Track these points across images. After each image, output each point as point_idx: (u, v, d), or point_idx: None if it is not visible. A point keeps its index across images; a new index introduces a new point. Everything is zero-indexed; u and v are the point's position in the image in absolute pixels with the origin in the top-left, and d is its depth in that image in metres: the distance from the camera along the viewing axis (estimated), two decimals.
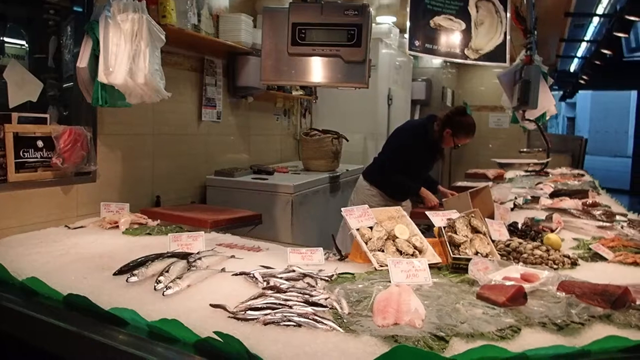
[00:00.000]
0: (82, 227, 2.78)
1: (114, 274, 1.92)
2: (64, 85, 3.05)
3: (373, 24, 2.49)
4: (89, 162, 2.97)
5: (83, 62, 2.75)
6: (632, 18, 4.74)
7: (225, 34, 4.21)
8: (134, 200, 3.20)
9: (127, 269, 1.91)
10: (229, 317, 1.55)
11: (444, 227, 2.28)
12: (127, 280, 1.83)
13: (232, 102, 4.69)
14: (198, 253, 2.12)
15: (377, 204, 4.01)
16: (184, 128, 4.10)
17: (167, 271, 1.85)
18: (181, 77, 4.00)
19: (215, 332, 1.40)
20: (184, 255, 2.06)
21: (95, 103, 2.76)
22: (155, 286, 1.76)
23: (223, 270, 1.99)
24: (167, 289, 1.73)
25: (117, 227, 2.72)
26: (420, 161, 4.13)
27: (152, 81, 2.69)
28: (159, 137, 3.79)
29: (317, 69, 2.36)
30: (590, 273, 2.08)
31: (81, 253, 2.25)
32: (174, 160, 3.97)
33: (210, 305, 1.62)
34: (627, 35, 5.73)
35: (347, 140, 5.28)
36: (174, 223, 2.95)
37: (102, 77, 2.66)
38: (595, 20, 7.73)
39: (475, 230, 2.31)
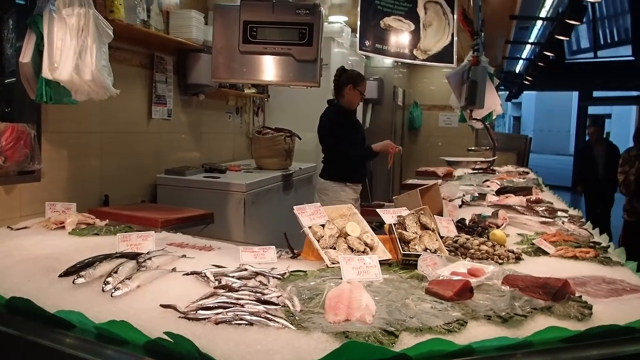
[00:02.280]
0: (25, 227, 2.68)
1: (60, 276, 1.86)
2: (6, 81, 2.95)
3: (325, 23, 2.51)
4: (32, 161, 2.88)
5: (26, 57, 2.65)
6: (572, 22, 4.93)
7: (175, 31, 4.15)
8: (81, 200, 3.11)
9: (74, 271, 1.86)
10: (179, 317, 1.53)
11: (394, 224, 2.32)
12: (73, 282, 1.78)
13: (183, 99, 4.62)
14: (148, 253, 2.08)
15: (347, 198, 4.37)
16: (134, 126, 4.02)
17: (115, 272, 1.81)
18: (130, 73, 3.92)
19: (165, 333, 1.38)
20: (134, 256, 2.03)
21: (39, 100, 2.67)
22: (103, 287, 1.73)
23: (174, 270, 1.97)
24: (115, 290, 1.70)
25: (63, 227, 2.65)
26: (352, 135, 4.41)
27: (99, 77, 2.62)
28: (108, 135, 3.71)
29: (268, 67, 2.36)
30: (533, 267, 2.15)
31: (25, 255, 2.17)
32: (123, 158, 3.89)
33: (161, 305, 1.60)
34: (568, 39, 5.95)
35: (300, 139, 5.29)
36: (123, 223, 2.89)
37: (46, 73, 2.57)
38: (539, 23, 8.01)
39: (424, 227, 2.36)
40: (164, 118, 4.32)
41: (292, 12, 2.32)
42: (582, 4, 4.56)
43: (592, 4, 5.00)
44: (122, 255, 2.03)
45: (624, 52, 14.18)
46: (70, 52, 2.55)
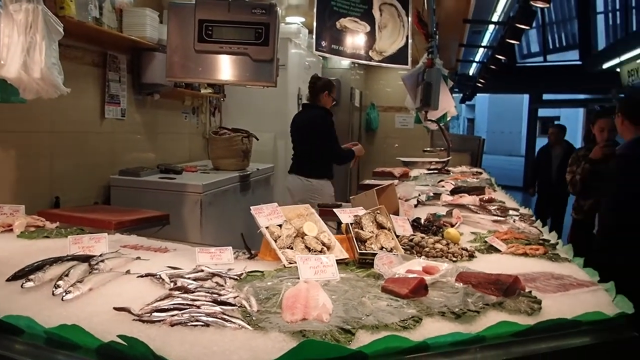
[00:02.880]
0: None
1: (7, 280, 1.80)
2: None
3: (282, 24, 2.51)
4: None
5: None
6: (522, 26, 5.07)
7: (129, 29, 4.08)
8: (31, 202, 3.02)
9: (22, 274, 1.80)
10: (133, 320, 1.50)
11: (351, 224, 2.34)
12: (22, 286, 1.72)
13: (138, 99, 4.54)
14: (101, 255, 2.03)
15: (329, 194, 4.90)
16: (86, 126, 3.92)
17: (66, 275, 1.76)
18: (82, 72, 3.83)
19: (118, 336, 1.35)
20: (86, 258, 1.98)
21: None
22: (53, 291, 1.68)
23: (128, 272, 1.93)
24: (66, 293, 1.65)
25: (11, 230, 2.55)
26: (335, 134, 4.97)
27: (49, 76, 2.55)
28: (58, 135, 3.61)
29: (224, 67, 2.34)
30: (486, 264, 2.21)
31: None
32: (75, 159, 3.79)
33: (114, 308, 1.56)
34: (518, 43, 6.11)
35: (257, 139, 5.27)
36: (75, 225, 2.80)
37: None
38: (491, 27, 8.23)
39: (380, 226, 2.38)
40: (117, 118, 4.24)
41: (248, 11, 2.31)
42: (531, 9, 4.69)
43: (542, 9, 5.16)
44: (74, 258, 1.98)
45: (572, 57, 14.70)
46: (18, 49, 2.46)
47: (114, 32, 3.91)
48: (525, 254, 2.39)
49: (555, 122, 11.35)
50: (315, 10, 3.14)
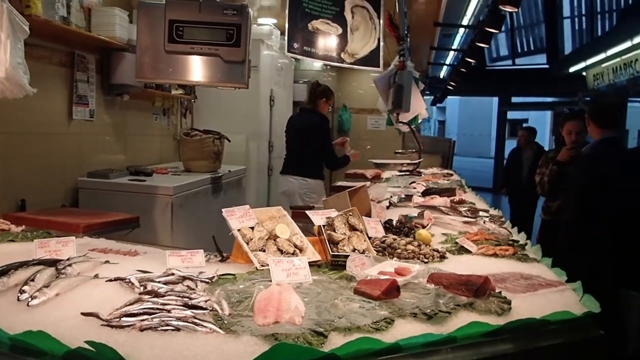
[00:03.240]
0: None
1: None
2: None
3: (254, 25, 2.50)
4: None
5: None
6: (492, 30, 5.15)
7: (98, 29, 4.01)
8: None
9: None
10: (102, 325, 1.47)
11: (323, 226, 2.34)
12: None
13: (107, 100, 4.47)
14: (68, 259, 1.99)
15: (323, 193, 5.17)
16: (53, 127, 3.84)
17: (32, 280, 1.72)
18: (49, 72, 3.75)
19: (86, 342, 1.33)
20: (52, 263, 1.93)
21: None
22: (18, 296, 1.63)
23: (96, 276, 1.89)
24: (32, 298, 1.61)
25: None
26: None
27: (14, 75, 2.49)
28: (24, 137, 3.53)
29: (195, 68, 2.32)
30: (457, 265, 2.23)
31: None
32: (42, 161, 3.71)
33: (82, 313, 1.53)
34: (488, 46, 6.21)
35: (229, 141, 5.24)
36: (42, 228, 2.74)
37: None
38: (461, 31, 8.33)
39: (353, 228, 2.39)
40: (85, 119, 4.16)
41: (219, 12, 2.29)
42: (500, 13, 4.77)
43: (510, 13, 5.24)
44: (40, 262, 1.93)
45: (540, 60, 14.98)
46: None
47: (82, 32, 3.84)
48: (495, 255, 2.43)
49: (524, 125, 11.51)
50: (287, 11, 3.14)
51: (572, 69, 12.27)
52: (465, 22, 7.36)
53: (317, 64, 8.35)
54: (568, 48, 13.62)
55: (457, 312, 1.66)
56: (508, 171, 8.16)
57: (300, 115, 5.61)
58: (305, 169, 5.19)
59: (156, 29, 2.30)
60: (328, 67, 8.71)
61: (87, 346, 1.32)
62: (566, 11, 13.63)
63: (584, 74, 11.92)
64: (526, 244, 2.68)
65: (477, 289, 1.76)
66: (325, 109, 5.30)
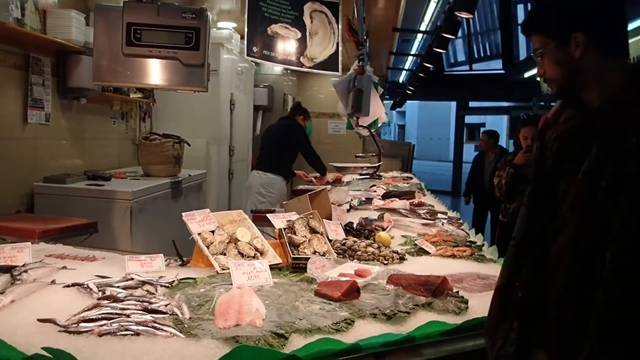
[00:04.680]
0: None
1: None
2: None
3: (214, 29, 2.50)
4: None
5: None
6: (448, 36, 5.26)
7: (54, 31, 3.92)
8: None
9: None
10: (59, 331, 1.45)
11: (284, 229, 2.35)
12: None
13: (63, 103, 4.37)
14: (24, 266, 1.95)
15: (280, 189, 5.64)
16: (7, 131, 3.74)
17: None
18: (2, 75, 3.65)
19: (43, 348, 1.31)
20: (7, 269, 1.89)
21: None
22: None
23: (53, 282, 1.86)
24: None
25: None
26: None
27: None
28: None
29: (154, 71, 2.31)
30: (416, 266, 2.28)
31: None
32: None
33: (38, 320, 1.51)
34: (445, 51, 6.33)
35: (189, 145, 5.19)
36: None
37: None
38: (419, 36, 8.47)
39: (313, 231, 2.41)
40: (41, 123, 4.06)
41: (178, 15, 2.28)
42: (456, 19, 4.87)
43: (467, 20, 5.37)
44: None
45: (496, 66, 15.32)
46: None
47: (37, 34, 3.75)
48: (453, 256, 2.49)
49: (483, 129, 11.65)
50: (246, 15, 3.15)
51: (526, 75, 12.58)
52: (423, 27, 7.49)
53: (278, 69, 8.35)
54: (523, 54, 13.97)
55: (415, 312, 1.70)
56: (472, 178, 8.09)
57: (279, 122, 6.20)
58: (268, 165, 5.66)
59: (114, 31, 2.28)
60: (288, 71, 8.72)
61: (44, 353, 1.30)
62: (520, 18, 13.99)
63: (538, 79, 12.24)
64: (483, 244, 2.75)
65: (435, 289, 1.80)
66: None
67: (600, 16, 1.26)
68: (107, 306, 1.58)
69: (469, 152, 18.25)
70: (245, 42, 3.18)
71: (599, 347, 1.11)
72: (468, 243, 2.73)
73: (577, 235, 1.19)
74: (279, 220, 2.44)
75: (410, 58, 10.60)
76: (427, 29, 7.31)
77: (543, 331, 1.23)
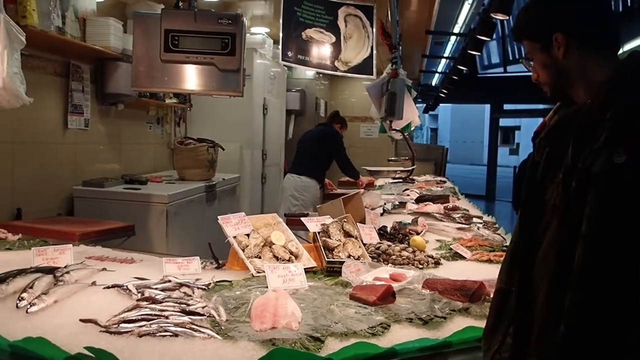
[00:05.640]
0: None
1: None
2: None
3: (247, 34, 2.53)
4: None
5: None
6: (483, 38, 5.20)
7: (92, 38, 4.02)
8: None
9: None
10: (101, 331, 1.49)
11: (319, 232, 2.36)
12: None
13: (101, 109, 4.48)
14: (65, 267, 2.00)
15: (314, 192, 5.71)
16: (48, 136, 3.85)
17: (30, 287, 1.73)
18: (44, 82, 3.76)
19: (86, 348, 1.34)
20: (50, 270, 1.94)
21: None
22: (17, 304, 1.65)
23: (94, 283, 1.91)
24: (31, 305, 1.62)
25: None
26: None
27: (11, 85, 2.51)
28: (20, 146, 3.53)
29: (191, 77, 2.35)
30: (451, 271, 2.26)
31: None
32: (38, 170, 3.71)
33: (80, 320, 1.55)
34: (479, 54, 6.26)
35: (223, 149, 5.25)
36: (38, 237, 2.75)
37: None
38: (453, 38, 8.39)
39: (347, 235, 2.41)
40: (80, 128, 4.17)
41: (214, 21, 2.32)
42: (491, 21, 4.82)
43: (501, 21, 5.30)
44: (38, 269, 1.94)
45: None
46: None
47: (77, 42, 3.85)
48: (489, 261, 2.45)
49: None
50: (281, 20, 3.17)
51: None
52: (456, 30, 7.42)
53: (310, 73, 8.38)
54: None
55: (452, 317, 1.69)
56: (520, 184, 7.90)
57: (317, 127, 6.45)
58: (304, 169, 5.76)
59: (152, 38, 2.33)
60: (320, 75, 8.75)
61: (86, 352, 1.33)
62: None
63: None
64: None
65: (472, 294, 1.78)
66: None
67: (578, 15, 1.25)
68: (146, 307, 1.61)
69: (504, 155, 17.99)
70: (280, 47, 3.20)
71: (565, 353, 1.09)
72: (505, 248, 2.68)
73: (557, 238, 1.17)
74: (313, 224, 2.45)
75: (443, 61, 10.50)
76: (461, 31, 7.23)
77: (532, 337, 1.21)
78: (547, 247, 1.20)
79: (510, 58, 15.84)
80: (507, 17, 4.25)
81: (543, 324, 1.18)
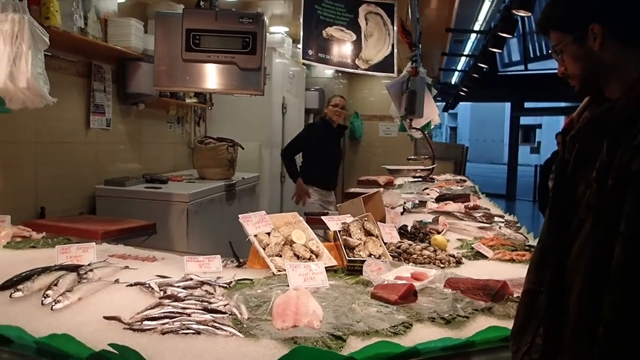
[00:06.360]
0: None
1: None
2: None
3: (267, 33, 2.53)
4: None
5: None
6: (504, 35, 5.15)
7: (114, 39, 4.07)
8: (16, 213, 2.98)
9: (10, 284, 1.79)
10: (124, 328, 1.50)
11: (339, 231, 2.35)
12: (10, 296, 1.71)
13: (123, 109, 4.53)
14: (89, 265, 2.03)
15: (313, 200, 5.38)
16: (71, 136, 3.90)
17: (55, 284, 1.75)
18: (67, 82, 3.81)
19: (110, 344, 1.35)
20: (74, 268, 1.97)
21: None
22: (42, 301, 1.67)
23: (117, 281, 1.93)
24: (55, 303, 1.64)
25: None
26: (322, 146, 5.39)
27: (35, 85, 2.53)
28: (43, 145, 3.58)
29: (212, 76, 2.35)
30: (473, 270, 2.23)
31: None
32: (60, 169, 3.76)
33: (104, 317, 1.56)
34: (500, 51, 6.19)
35: (243, 149, 5.27)
36: (61, 235, 2.78)
37: None
38: (473, 36, 8.31)
39: (368, 233, 2.40)
40: (102, 128, 4.22)
41: (235, 20, 2.32)
42: (513, 18, 4.77)
43: (522, 18, 5.25)
44: (62, 267, 1.97)
45: (552, 65, 14.86)
46: (4, 59, 2.45)
47: (99, 42, 3.90)
48: (512, 260, 2.42)
49: (556, 133, 11.21)
50: (301, 19, 3.17)
51: None
52: (477, 27, 7.35)
53: (329, 72, 8.38)
54: None
55: (475, 316, 1.67)
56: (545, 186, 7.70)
57: None
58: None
59: (173, 38, 2.34)
60: (339, 74, 8.73)
61: (110, 349, 1.34)
62: None
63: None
64: None
65: (495, 294, 1.76)
66: (330, 113, 5.60)
67: (616, 5, 1.21)
68: (168, 305, 1.62)
69: (524, 154, 17.80)
70: (300, 45, 3.20)
71: (605, 355, 1.06)
72: (527, 247, 2.65)
73: (591, 237, 1.14)
74: (333, 223, 2.44)
75: (463, 59, 10.41)
76: (481, 29, 7.16)
77: (564, 338, 1.19)
78: (580, 246, 1.17)
79: (531, 55, 15.66)
80: (529, 14, 4.20)
81: (576, 324, 1.15)
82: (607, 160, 1.10)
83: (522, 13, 4.20)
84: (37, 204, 3.53)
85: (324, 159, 5.50)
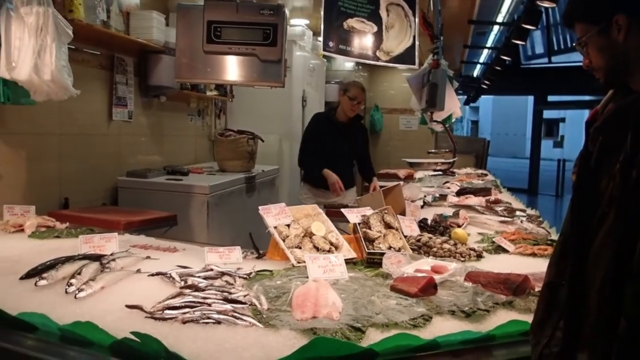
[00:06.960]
0: None
1: (21, 278, 1.82)
2: None
3: (287, 25, 2.53)
4: None
5: None
6: (528, 27, 5.07)
7: (136, 32, 4.10)
8: (40, 203, 3.04)
9: (35, 273, 1.83)
10: (146, 317, 1.52)
11: (359, 224, 2.35)
12: (35, 284, 1.75)
13: (144, 101, 4.56)
14: (111, 254, 2.05)
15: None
16: (94, 128, 3.95)
17: (79, 273, 1.78)
18: (90, 74, 3.85)
19: (132, 333, 1.37)
20: (97, 257, 2.00)
21: None
22: (66, 289, 1.70)
23: (138, 271, 1.95)
24: (79, 291, 1.67)
25: (23, 230, 2.58)
26: (325, 143, 4.50)
27: (59, 77, 2.57)
28: (67, 137, 3.63)
29: (232, 68, 2.36)
30: (494, 264, 2.21)
31: None
32: (83, 161, 3.81)
33: (126, 306, 1.59)
34: (524, 43, 6.11)
35: (263, 141, 5.29)
36: (84, 225, 2.83)
37: (4, 73, 2.51)
38: (495, 28, 8.21)
39: (388, 226, 2.39)
40: (124, 120, 4.26)
41: (256, 12, 2.33)
42: (537, 9, 4.70)
43: (546, 10, 5.17)
44: (85, 257, 2.00)
45: (576, 58, 14.64)
46: (29, 52, 2.49)
47: (121, 35, 3.93)
48: (533, 254, 2.40)
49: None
50: (322, 10, 3.15)
51: None
52: (500, 19, 7.26)
53: (349, 64, 8.34)
54: None
55: (495, 310, 1.66)
56: None
57: None
58: None
59: (194, 30, 2.35)
60: (360, 67, 8.69)
61: (132, 337, 1.36)
62: None
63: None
64: None
65: (516, 288, 1.75)
66: (345, 104, 4.51)
67: None
68: (189, 295, 1.64)
69: (547, 148, 17.57)
70: (320, 37, 3.19)
71: (627, 349, 1.04)
72: (549, 242, 2.62)
73: (614, 229, 1.12)
74: (353, 215, 2.44)
75: (485, 51, 10.30)
76: (505, 21, 7.08)
77: (584, 332, 1.17)
78: (603, 239, 1.16)
79: (555, 48, 15.42)
80: (554, 5, 4.13)
81: (597, 317, 1.14)
82: (631, 152, 1.09)
83: (546, 4, 4.14)
84: (61, 194, 3.59)
85: (325, 156, 4.51)
